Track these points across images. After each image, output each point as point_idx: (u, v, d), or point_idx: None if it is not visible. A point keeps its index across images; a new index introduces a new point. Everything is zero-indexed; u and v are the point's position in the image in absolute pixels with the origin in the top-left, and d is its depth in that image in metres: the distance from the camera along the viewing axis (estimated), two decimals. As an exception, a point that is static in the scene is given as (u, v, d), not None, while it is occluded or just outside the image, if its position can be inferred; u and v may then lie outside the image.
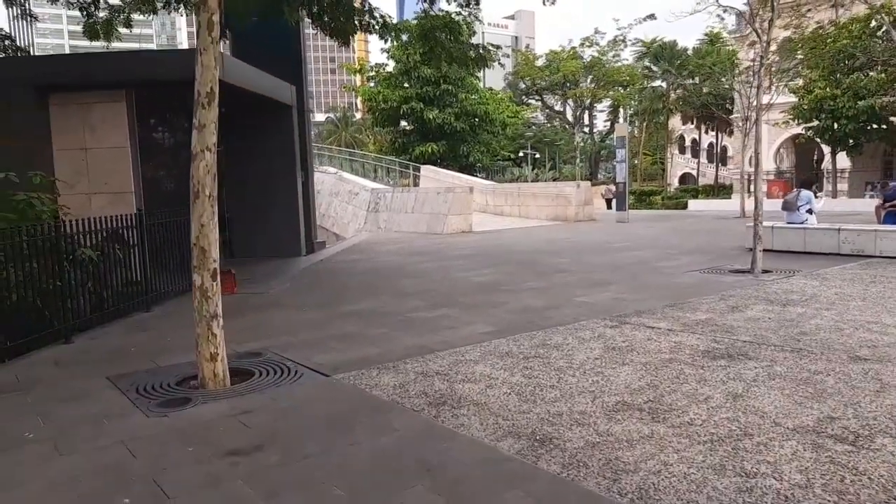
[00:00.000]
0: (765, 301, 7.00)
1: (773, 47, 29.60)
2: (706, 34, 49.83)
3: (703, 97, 42.48)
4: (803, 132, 30.42)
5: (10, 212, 7.05)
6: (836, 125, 26.47)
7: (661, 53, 48.22)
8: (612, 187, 40.51)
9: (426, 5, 13.57)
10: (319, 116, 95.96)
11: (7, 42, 17.23)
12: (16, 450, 3.68)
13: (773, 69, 23.00)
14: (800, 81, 27.55)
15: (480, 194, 25.68)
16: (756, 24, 9.55)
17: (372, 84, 39.37)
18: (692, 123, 58.72)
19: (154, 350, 5.91)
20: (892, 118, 25.52)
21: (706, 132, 57.17)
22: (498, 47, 13.87)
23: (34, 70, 10.63)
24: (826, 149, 32.52)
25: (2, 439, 3.86)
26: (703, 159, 60.28)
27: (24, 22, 18.29)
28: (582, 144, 53.36)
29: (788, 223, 11.30)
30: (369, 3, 13.04)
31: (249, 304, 8.10)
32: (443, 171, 29.55)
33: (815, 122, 27.32)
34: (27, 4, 17.21)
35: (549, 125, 64.01)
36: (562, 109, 61.18)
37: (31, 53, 20.64)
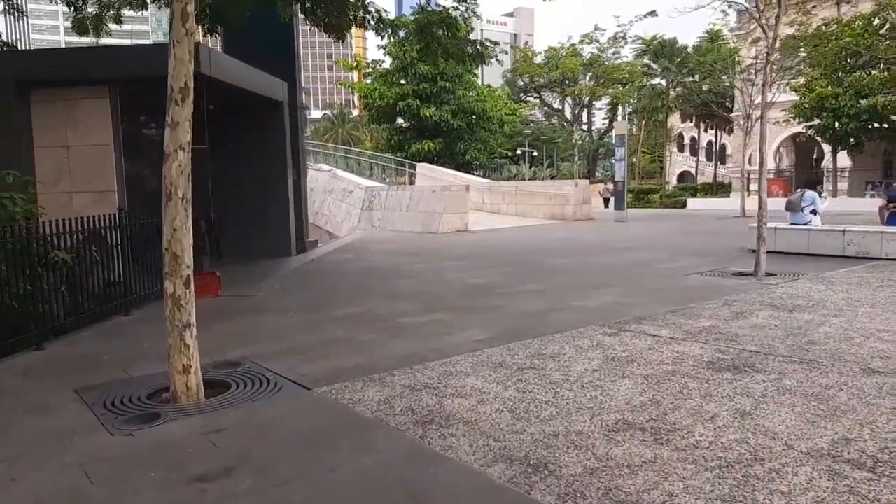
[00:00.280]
0: (770, 307, 6.72)
1: (777, 44, 29.38)
2: (707, 31, 49.56)
3: (704, 95, 42.19)
4: (804, 131, 30.16)
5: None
6: (837, 124, 26.20)
7: (662, 51, 47.93)
8: (610, 186, 40.27)
9: (423, 0, 13.30)
10: (316, 113, 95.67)
11: None
12: (-36, 474, 3.39)
13: (776, 67, 22.71)
14: (801, 79, 27.28)
15: (477, 192, 25.38)
16: (762, 20, 9.24)
17: (369, 80, 39.00)
18: (691, 121, 58.49)
19: (128, 358, 5.63)
20: (893, 117, 25.25)
21: (705, 130, 56.94)
22: (496, 44, 13.60)
23: (15, 65, 10.30)
24: (826, 148, 32.26)
25: (-48, 461, 3.57)
26: (702, 157, 60.07)
27: (12, 17, 17.95)
28: (580, 142, 53.02)
29: (792, 224, 11.04)
30: (364, -3, 12.75)
31: (233, 308, 7.81)
32: (439, 169, 29.22)
33: (817, 121, 27.06)
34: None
35: (547, 123, 63.69)
36: (560, 107, 60.85)
37: (19, 49, 20.29)
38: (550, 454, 3.31)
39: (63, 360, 5.73)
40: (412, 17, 13.35)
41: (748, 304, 6.90)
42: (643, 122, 53.32)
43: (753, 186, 31.26)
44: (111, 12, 14.33)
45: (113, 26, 14.95)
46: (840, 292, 7.40)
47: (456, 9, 12.14)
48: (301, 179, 15.05)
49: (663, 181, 53.57)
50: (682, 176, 63.14)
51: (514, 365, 4.90)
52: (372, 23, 12.70)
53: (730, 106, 42.12)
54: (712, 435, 3.49)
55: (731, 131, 48.78)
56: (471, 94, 37.12)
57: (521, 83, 56.14)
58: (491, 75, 59.36)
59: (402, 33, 15.49)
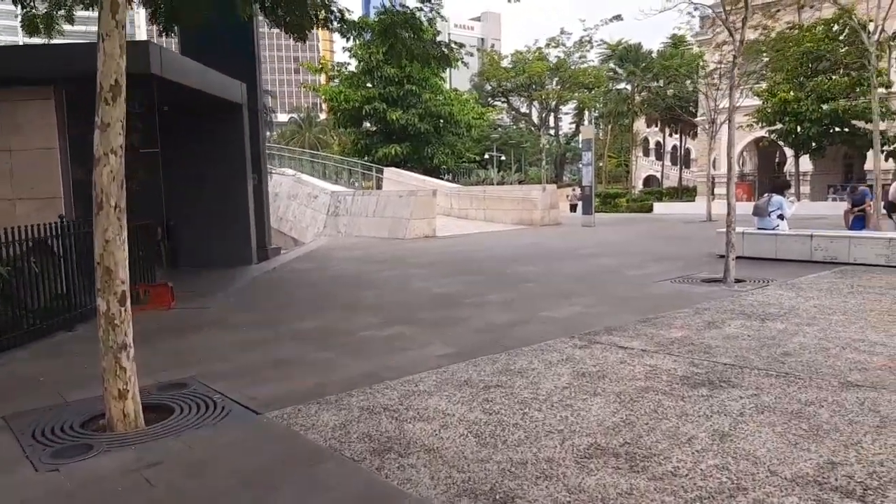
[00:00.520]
0: (742, 315, 6.56)
1: (742, 48, 29.73)
2: (670, 37, 50.20)
3: (668, 100, 42.65)
4: (766, 135, 30.55)
5: None
6: (799, 128, 26.57)
7: (627, 56, 48.39)
8: (577, 191, 40.38)
9: (387, 1, 13.00)
10: (283, 117, 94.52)
11: None
12: None
13: (740, 72, 22.93)
14: (764, 84, 27.62)
15: (445, 197, 25.13)
16: (728, 21, 9.15)
17: (336, 82, 38.49)
18: (656, 126, 59.25)
19: (67, 380, 5.21)
20: (854, 121, 25.68)
21: (670, 135, 57.68)
22: (461, 46, 13.34)
23: (-51, 65, 9.72)
24: (788, 152, 32.75)
25: None
26: (667, 162, 60.83)
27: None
28: (547, 147, 53.20)
29: (759, 229, 10.97)
30: (325, -4, 12.39)
31: (185, 322, 7.39)
32: (406, 174, 28.91)
33: (779, 125, 27.41)
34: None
35: (514, 127, 63.84)
36: (527, 111, 61.05)
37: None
38: (518, 486, 3.03)
39: (-8, 382, 5.29)
40: (376, 19, 13.02)
41: (720, 313, 6.73)
42: (609, 126, 53.78)
43: (718, 190, 31.62)
44: (62, 11, 13.75)
45: (70, 27, 14.35)
46: (811, 299, 7.28)
47: (420, 9, 11.86)
48: (263, 184, 14.62)
49: (629, 185, 54.07)
50: (648, 180, 63.87)
51: (481, 382, 4.62)
52: (335, 23, 12.36)
53: (693, 110, 42.65)
54: (691, 460, 3.25)
55: (695, 135, 49.41)
56: (438, 97, 36.90)
57: (489, 87, 56.17)
58: (458, 79, 59.35)
59: (367, 35, 15.16)
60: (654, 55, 48.72)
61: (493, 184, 44.82)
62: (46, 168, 9.08)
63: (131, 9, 10.22)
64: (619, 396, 4.23)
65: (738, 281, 8.62)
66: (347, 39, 14.25)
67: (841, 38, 25.81)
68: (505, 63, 55.16)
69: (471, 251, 14.89)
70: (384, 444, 3.59)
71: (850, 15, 11.80)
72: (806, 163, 32.04)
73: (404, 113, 34.88)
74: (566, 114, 62.90)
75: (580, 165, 66.90)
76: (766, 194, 11.48)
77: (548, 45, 51.56)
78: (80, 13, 13.85)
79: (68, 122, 9.11)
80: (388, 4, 13.26)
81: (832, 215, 20.42)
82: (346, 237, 20.72)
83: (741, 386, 4.38)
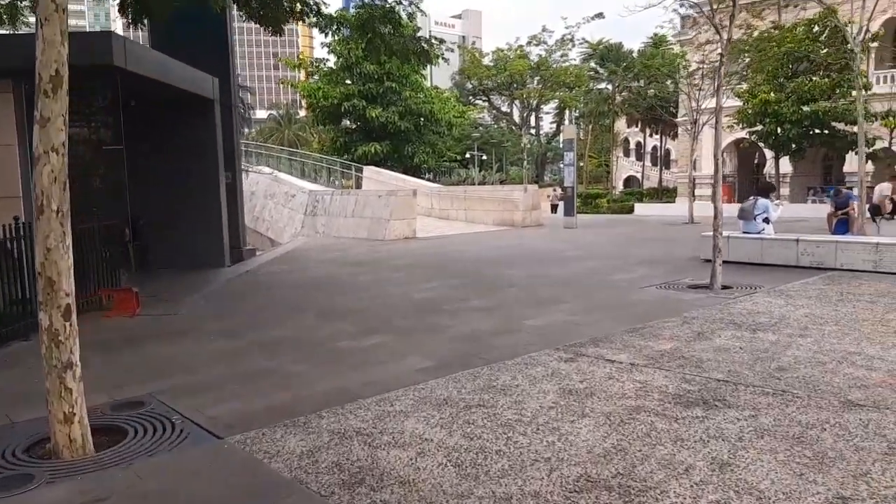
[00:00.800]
0: (732, 325, 6.32)
1: (716, 52, 29.72)
2: (651, 37, 50.30)
3: (649, 100, 42.68)
4: (747, 136, 30.58)
5: None
6: (779, 130, 26.59)
7: (608, 55, 48.38)
8: (559, 191, 40.17)
9: (364, -6, 12.65)
10: (261, 113, 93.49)
11: None
12: None
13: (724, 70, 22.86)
14: (744, 85, 27.61)
15: (425, 197, 24.80)
16: (715, 19, 8.94)
17: (315, 79, 37.92)
18: (637, 126, 59.38)
19: (15, 397, 4.82)
20: (834, 123, 25.76)
21: (651, 135, 57.85)
22: (441, 41, 13.01)
23: None
24: (768, 153, 32.86)
25: None
26: (648, 162, 61.02)
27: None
28: (529, 146, 53.05)
29: (745, 233, 10.80)
30: (302, -13, 12.02)
31: (149, 331, 7.00)
32: (386, 173, 28.52)
33: (760, 127, 27.42)
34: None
35: (496, 126, 63.65)
36: (508, 111, 60.88)
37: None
38: (502, 529, 2.73)
39: (-69, 400, 4.87)
40: (353, 12, 12.66)
41: (708, 323, 6.48)
42: (590, 126, 53.76)
43: (699, 192, 31.61)
44: (26, 1, 13.23)
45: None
46: (801, 307, 7.07)
47: (399, 3, 11.52)
48: (237, 182, 14.20)
49: (610, 186, 54.11)
50: (629, 181, 64.05)
51: (461, 402, 4.31)
52: (311, 16, 11.99)
53: (674, 111, 42.74)
54: (690, 495, 2.97)
55: (675, 136, 49.55)
56: (419, 95, 36.54)
57: (470, 86, 55.89)
58: (439, 77, 59.00)
59: (346, 31, 14.78)
60: (634, 55, 48.77)
61: (474, 183, 44.53)
62: (4, 166, 8.61)
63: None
64: (608, 418, 3.95)
65: (724, 287, 8.41)
66: (326, 35, 13.88)
67: (821, 39, 25.87)
68: (486, 61, 54.89)
69: (452, 253, 14.59)
70: (355, 476, 3.27)
71: (834, 14, 11.66)
72: (785, 164, 32.17)
73: (384, 110, 34.47)
74: (547, 113, 62.87)
75: (561, 165, 66.88)
76: (751, 197, 11.30)
77: (529, 43, 51.41)
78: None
79: (28, 118, 8.63)
80: (366, -1, 12.92)
81: (813, 217, 20.42)
82: (325, 238, 20.31)
83: (737, 405, 4.12)
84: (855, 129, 25.96)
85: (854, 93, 24.54)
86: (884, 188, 16.48)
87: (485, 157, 55.37)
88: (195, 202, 12.04)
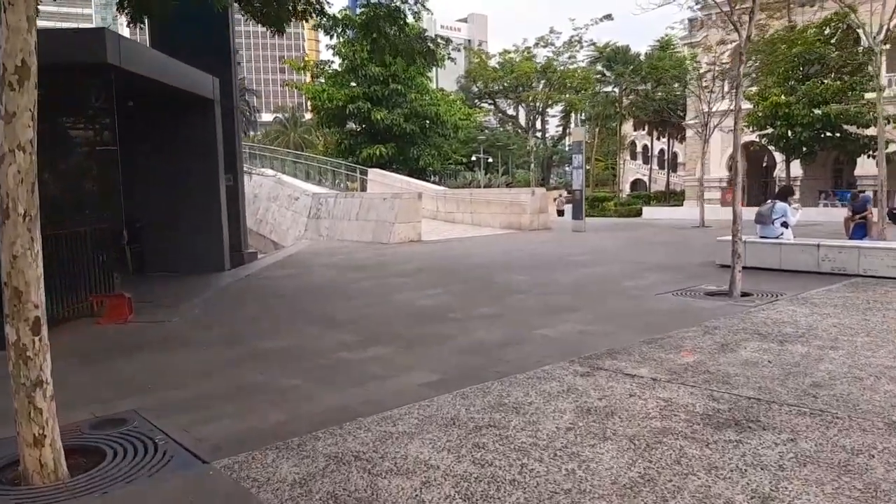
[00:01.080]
0: (757, 336, 5.95)
1: (727, 54, 29.33)
2: (658, 40, 49.93)
3: (657, 102, 42.28)
4: (757, 139, 30.15)
5: None
6: (790, 133, 26.17)
7: (615, 58, 48.00)
8: (564, 193, 39.76)
9: (369, -6, 12.31)
10: (267, 116, 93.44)
11: None
12: None
13: (732, 74, 22.48)
14: (754, 88, 27.20)
15: (431, 200, 24.47)
16: (734, 16, 8.58)
17: (322, 80, 37.63)
18: (644, 129, 59.03)
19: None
20: (846, 126, 25.33)
21: (658, 138, 57.45)
22: (448, 41, 12.67)
23: None
24: (778, 157, 32.43)
25: None
26: (655, 166, 60.61)
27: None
28: (535, 149, 52.70)
29: (762, 237, 10.42)
30: (305, -14, 11.70)
31: (139, 340, 6.67)
32: (391, 175, 28.18)
33: (770, 130, 27.00)
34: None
35: (501, 129, 63.31)
36: (514, 114, 60.53)
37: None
38: (520, 578, 2.37)
39: None
40: (358, 11, 12.34)
41: (732, 333, 6.11)
42: (597, 129, 53.39)
43: (708, 195, 31.17)
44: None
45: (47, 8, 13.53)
46: (828, 317, 6.70)
47: (405, 1, 11.19)
48: (238, 185, 13.89)
49: (617, 189, 53.71)
50: (635, 184, 63.66)
51: (470, 422, 3.95)
52: (314, 16, 11.67)
53: (682, 114, 42.32)
54: (732, 537, 2.61)
55: (682, 139, 49.12)
56: (424, 97, 36.21)
57: (476, 89, 55.55)
58: (445, 80, 58.75)
59: (350, 33, 14.45)
60: (642, 58, 48.38)
61: (479, 186, 44.23)
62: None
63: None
64: (633, 442, 3.59)
65: (744, 294, 8.04)
66: (331, 36, 13.58)
67: (832, 41, 25.48)
68: (492, 63, 54.54)
69: (457, 258, 14.24)
70: (352, 510, 2.92)
71: (854, 12, 11.29)
72: (795, 168, 31.72)
73: (389, 113, 34.15)
74: (553, 116, 62.46)
75: (567, 168, 66.39)
76: (768, 200, 10.92)
77: (537, 45, 51.03)
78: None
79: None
80: (372, -1, 12.59)
81: (826, 222, 20.03)
82: (328, 241, 19.99)
83: (773, 427, 3.75)
84: (867, 132, 25.59)
85: (868, 95, 24.18)
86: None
87: (490, 160, 55.05)
88: (195, 204, 11.74)
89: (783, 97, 25.59)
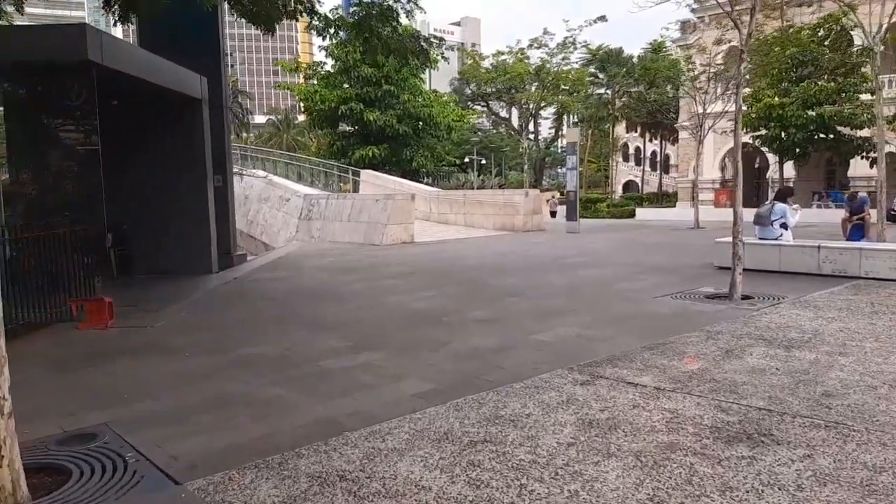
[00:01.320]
0: (762, 341, 5.72)
1: (721, 56, 29.21)
2: (650, 43, 49.94)
3: (650, 104, 42.22)
4: (750, 141, 30.05)
5: None
6: (784, 134, 26.07)
7: (608, 60, 47.96)
8: (557, 195, 39.59)
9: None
10: (260, 118, 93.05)
11: None
12: None
13: (727, 75, 22.35)
14: (748, 90, 27.09)
15: (424, 201, 24.22)
16: (733, 13, 8.37)
17: (314, 82, 37.32)
18: (636, 131, 58.99)
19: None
20: (839, 127, 25.24)
21: (650, 140, 57.43)
22: (441, 40, 12.43)
23: None
24: (771, 158, 32.35)
25: None
26: (647, 167, 60.59)
27: None
28: (528, 151, 52.52)
29: (761, 239, 10.22)
30: (296, -15, 11.44)
31: (119, 346, 6.39)
32: (384, 177, 27.91)
33: (764, 131, 26.89)
34: None
35: (494, 131, 63.16)
36: (507, 116, 60.38)
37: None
38: None
39: None
40: (350, 10, 12.08)
41: (735, 338, 5.89)
42: (589, 131, 53.26)
43: (701, 196, 31.06)
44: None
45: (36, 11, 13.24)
46: (833, 321, 6.48)
47: (397, 0, 10.93)
48: (228, 186, 13.61)
49: (609, 190, 53.64)
50: (627, 185, 63.62)
51: (465, 437, 3.70)
52: (304, 14, 11.41)
53: (674, 116, 42.24)
54: (753, 568, 2.37)
55: (675, 141, 49.08)
56: (417, 99, 35.95)
57: (469, 91, 55.35)
58: (438, 81, 58.54)
59: (343, 34, 14.18)
60: (634, 60, 48.34)
61: (473, 188, 43.95)
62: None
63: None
64: (639, 459, 3.35)
65: (745, 297, 7.83)
66: (323, 38, 13.30)
67: (826, 43, 25.41)
68: (486, 64, 54.35)
69: (451, 259, 14.00)
70: (336, 538, 2.66)
71: (853, 12, 11.11)
72: (788, 169, 31.65)
73: (382, 114, 33.87)
74: (546, 118, 62.33)
75: (560, 170, 66.27)
76: (767, 202, 10.72)
77: (530, 46, 50.88)
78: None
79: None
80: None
81: (821, 223, 19.92)
82: (319, 242, 19.71)
83: (787, 442, 3.52)
84: (861, 133, 25.51)
85: (862, 97, 24.09)
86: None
87: (484, 162, 54.82)
88: (182, 206, 11.46)
89: (777, 99, 25.48)
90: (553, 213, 34.22)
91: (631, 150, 66.36)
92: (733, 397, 4.27)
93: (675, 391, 4.42)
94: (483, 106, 57.58)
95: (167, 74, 10.07)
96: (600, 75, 50.53)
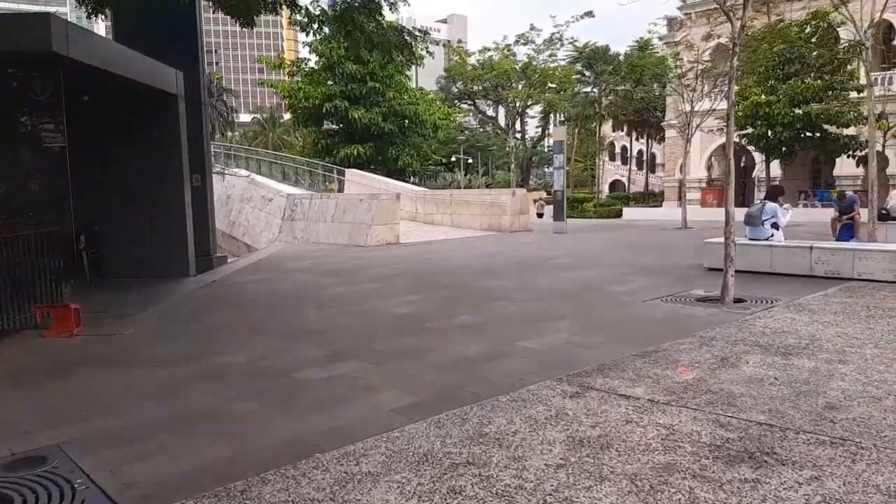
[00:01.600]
0: (758, 348, 5.49)
1: (709, 52, 29.12)
2: (636, 41, 49.89)
3: (636, 103, 42.16)
4: (737, 139, 30.02)
5: None
6: (770, 132, 25.99)
7: (594, 58, 47.87)
8: (544, 195, 39.45)
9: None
10: (245, 117, 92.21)
11: None
12: None
13: (715, 73, 22.23)
14: (735, 87, 27.08)
15: (410, 201, 23.91)
16: (726, 4, 8.16)
17: (298, 79, 36.82)
18: (622, 130, 59.04)
19: None
20: (826, 126, 25.20)
21: (637, 139, 57.46)
22: (426, 34, 12.15)
23: None
24: (757, 157, 32.32)
25: None
26: (633, 166, 60.61)
27: None
28: (514, 150, 52.32)
29: (752, 239, 10.02)
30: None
31: (85, 355, 6.05)
32: (370, 176, 27.56)
33: (750, 130, 26.81)
34: None
35: (482, 130, 62.93)
36: (494, 115, 60.15)
37: None
38: None
39: None
40: (332, 2, 11.77)
41: (730, 344, 5.65)
42: (576, 130, 53.17)
43: (688, 196, 30.98)
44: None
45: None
46: (829, 325, 6.27)
47: (381, -8, 10.65)
48: (207, 185, 13.24)
49: (596, 190, 53.56)
50: (614, 185, 63.62)
51: (446, 458, 3.42)
52: (284, 7, 11.10)
53: (661, 115, 42.19)
54: None
55: (661, 140, 49.08)
56: (403, 96, 35.59)
57: (456, 90, 55.04)
58: (424, 79, 58.19)
59: (326, 29, 13.85)
60: (621, 58, 48.26)
61: (459, 187, 43.72)
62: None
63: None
64: (634, 483, 3.08)
65: (737, 300, 7.61)
66: (307, 33, 12.99)
67: (813, 40, 25.36)
68: (472, 60, 54.02)
69: (437, 261, 13.72)
70: (300, 583, 2.37)
71: (845, 6, 10.94)
72: (774, 168, 31.63)
73: (367, 112, 33.49)
74: (532, 118, 62.16)
75: (547, 169, 66.18)
76: (758, 201, 10.53)
77: (517, 43, 50.64)
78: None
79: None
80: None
81: (808, 222, 19.82)
82: (303, 243, 19.35)
83: (792, 462, 3.27)
84: (847, 131, 25.48)
85: (851, 94, 24.04)
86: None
87: (470, 161, 54.60)
88: (158, 206, 11.09)
89: (764, 97, 25.40)
90: (540, 214, 34.10)
91: (617, 150, 66.39)
92: (732, 410, 4.02)
93: (669, 404, 4.16)
94: (470, 104, 57.31)
95: (139, 68, 9.69)
96: (587, 73, 50.40)
